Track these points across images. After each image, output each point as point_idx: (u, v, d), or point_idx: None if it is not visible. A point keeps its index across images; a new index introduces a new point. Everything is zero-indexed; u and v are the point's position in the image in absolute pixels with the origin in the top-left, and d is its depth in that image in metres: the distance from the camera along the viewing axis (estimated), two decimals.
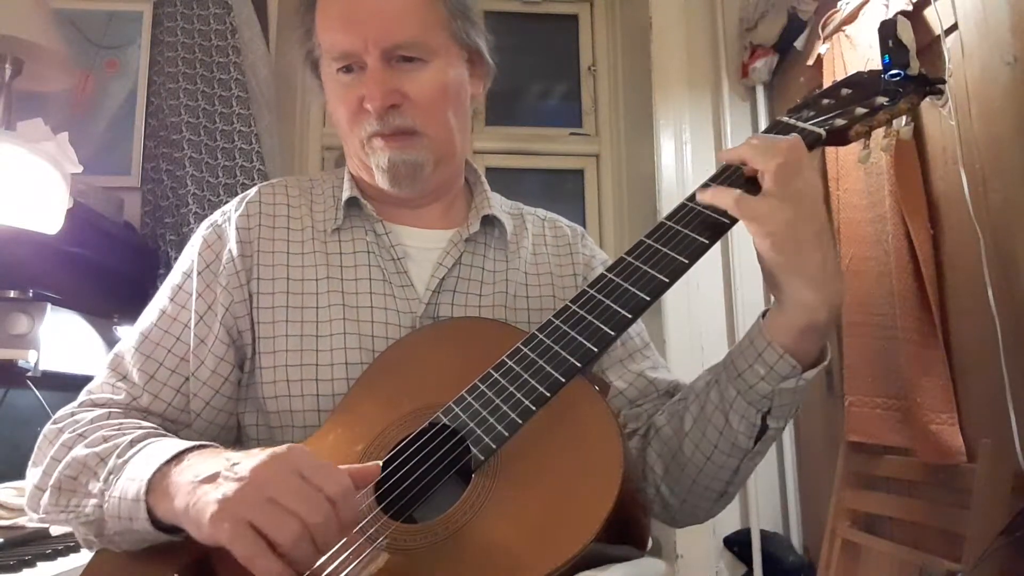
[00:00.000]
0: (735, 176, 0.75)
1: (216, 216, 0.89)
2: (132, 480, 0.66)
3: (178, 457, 0.65)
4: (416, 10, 0.82)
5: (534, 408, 0.65)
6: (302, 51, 0.88)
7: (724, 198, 0.71)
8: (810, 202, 0.70)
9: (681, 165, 2.16)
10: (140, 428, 0.74)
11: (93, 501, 0.69)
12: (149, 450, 0.68)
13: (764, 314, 0.75)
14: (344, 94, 0.84)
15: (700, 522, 0.85)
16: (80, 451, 0.72)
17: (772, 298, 0.75)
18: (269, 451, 0.59)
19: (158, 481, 0.64)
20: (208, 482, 0.60)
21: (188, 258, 0.86)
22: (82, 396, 0.81)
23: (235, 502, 0.56)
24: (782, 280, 0.71)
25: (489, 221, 0.92)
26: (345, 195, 0.88)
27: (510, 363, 0.69)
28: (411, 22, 0.81)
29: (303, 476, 0.57)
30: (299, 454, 0.60)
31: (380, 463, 0.64)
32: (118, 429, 0.73)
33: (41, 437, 0.77)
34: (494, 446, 0.64)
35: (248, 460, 0.59)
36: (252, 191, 0.90)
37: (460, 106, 0.87)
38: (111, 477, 0.68)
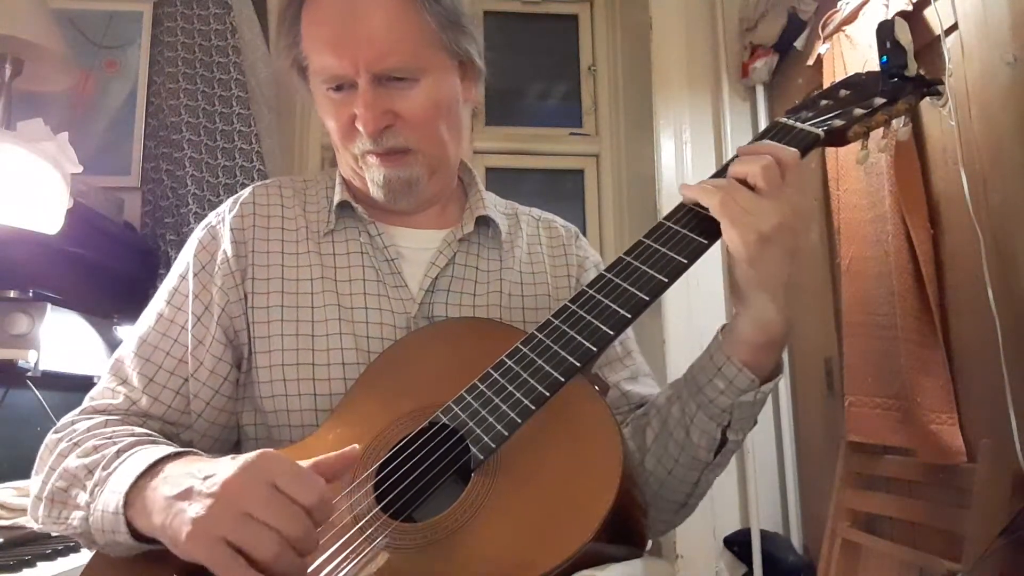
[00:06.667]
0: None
1: (211, 218, 0.89)
2: (113, 493, 0.65)
3: (153, 469, 0.64)
4: (405, 30, 0.79)
5: (533, 407, 0.65)
6: (288, 58, 0.87)
7: (709, 195, 0.71)
8: (800, 215, 0.69)
9: (681, 165, 2.16)
10: (131, 436, 0.73)
11: (80, 513, 0.69)
12: (131, 460, 0.67)
13: (723, 328, 0.76)
14: (335, 110, 0.83)
15: (660, 534, 0.86)
16: (72, 462, 0.71)
17: (733, 311, 0.76)
18: (240, 461, 0.58)
19: (135, 495, 0.64)
20: (182, 498, 0.59)
21: (184, 260, 0.86)
22: (84, 402, 0.81)
23: (208, 520, 0.56)
24: (750, 294, 0.71)
25: (483, 221, 0.91)
26: (336, 199, 0.88)
27: (509, 363, 0.69)
28: (401, 44, 0.79)
29: (276, 486, 0.56)
30: (270, 461, 0.58)
31: (357, 446, 0.64)
32: (109, 438, 0.72)
33: (43, 446, 0.77)
34: (493, 445, 0.64)
35: (221, 472, 0.58)
36: (246, 191, 0.90)
37: (453, 117, 0.87)
38: (96, 489, 0.68)
